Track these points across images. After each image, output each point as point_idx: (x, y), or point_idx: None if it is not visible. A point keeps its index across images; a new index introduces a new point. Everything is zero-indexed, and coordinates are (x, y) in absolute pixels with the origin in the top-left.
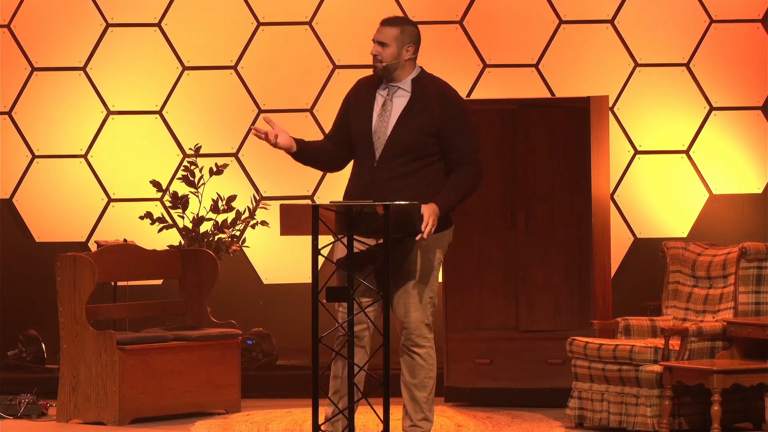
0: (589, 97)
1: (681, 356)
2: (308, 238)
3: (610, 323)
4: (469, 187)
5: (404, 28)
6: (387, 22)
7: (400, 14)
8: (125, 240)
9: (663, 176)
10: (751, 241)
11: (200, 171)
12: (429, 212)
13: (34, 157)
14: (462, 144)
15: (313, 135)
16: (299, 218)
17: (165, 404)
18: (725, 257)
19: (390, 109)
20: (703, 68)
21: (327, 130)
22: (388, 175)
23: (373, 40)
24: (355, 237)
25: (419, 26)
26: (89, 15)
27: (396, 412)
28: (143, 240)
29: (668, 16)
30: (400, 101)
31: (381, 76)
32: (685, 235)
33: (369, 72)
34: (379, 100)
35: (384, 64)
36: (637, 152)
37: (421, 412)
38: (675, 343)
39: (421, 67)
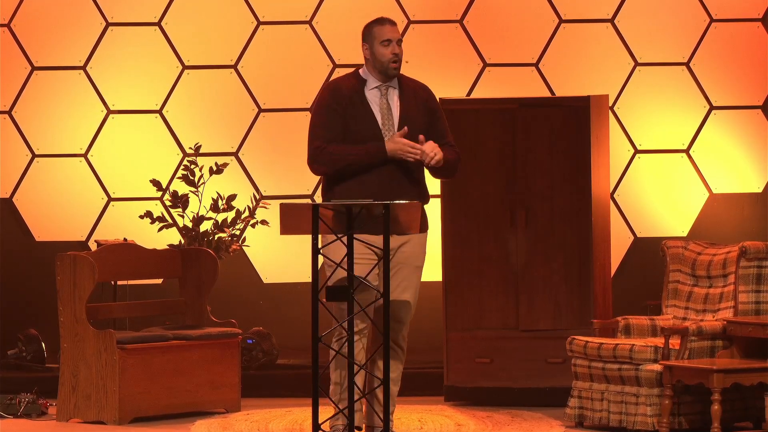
0: (589, 96)
1: (681, 355)
2: (308, 237)
3: (610, 322)
4: (450, 160)
5: None
6: (393, 22)
7: (400, 13)
8: (125, 239)
9: (663, 175)
10: (751, 240)
11: (200, 170)
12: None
13: (34, 156)
14: (445, 129)
15: None
16: (299, 217)
17: (165, 403)
18: (725, 256)
19: (388, 107)
20: (703, 67)
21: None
22: (397, 173)
23: (388, 39)
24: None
25: (420, 26)
26: (89, 14)
27: (395, 411)
28: (143, 239)
29: (668, 15)
30: (394, 99)
31: (395, 77)
32: (685, 234)
33: None
34: (373, 100)
35: (403, 61)
36: (637, 151)
37: (393, 405)
38: (675, 342)
39: None
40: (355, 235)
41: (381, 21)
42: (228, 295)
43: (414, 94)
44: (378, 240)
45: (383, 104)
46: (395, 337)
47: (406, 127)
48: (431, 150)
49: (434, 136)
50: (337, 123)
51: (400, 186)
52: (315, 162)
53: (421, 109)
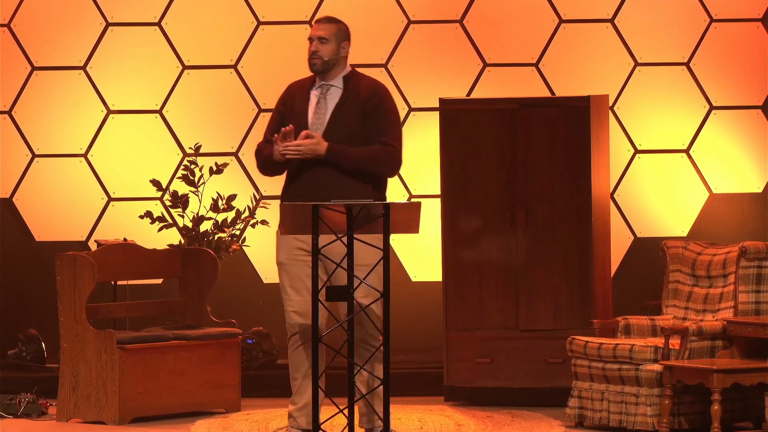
0: (589, 96)
1: (681, 355)
2: None
3: (610, 322)
4: (374, 157)
5: (340, 26)
6: (324, 20)
7: (400, 13)
8: (125, 239)
9: (663, 175)
10: (751, 240)
11: (200, 170)
12: (312, 141)
13: (34, 156)
14: (383, 127)
15: None
16: (299, 217)
17: (165, 404)
18: (725, 256)
19: (324, 106)
20: (703, 67)
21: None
22: (326, 171)
23: (310, 37)
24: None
25: (420, 26)
26: (89, 14)
27: (395, 412)
28: (143, 239)
29: (668, 15)
30: (333, 98)
31: (319, 72)
32: (685, 234)
33: (370, 71)
34: (313, 100)
35: (325, 59)
36: (637, 151)
37: (378, 405)
38: (675, 342)
39: (353, 67)
40: (293, 236)
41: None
42: (228, 295)
43: (355, 94)
44: (307, 239)
45: (321, 104)
46: (363, 336)
47: (291, 126)
48: (294, 144)
49: (369, 134)
50: (277, 123)
51: (326, 186)
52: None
53: (357, 108)
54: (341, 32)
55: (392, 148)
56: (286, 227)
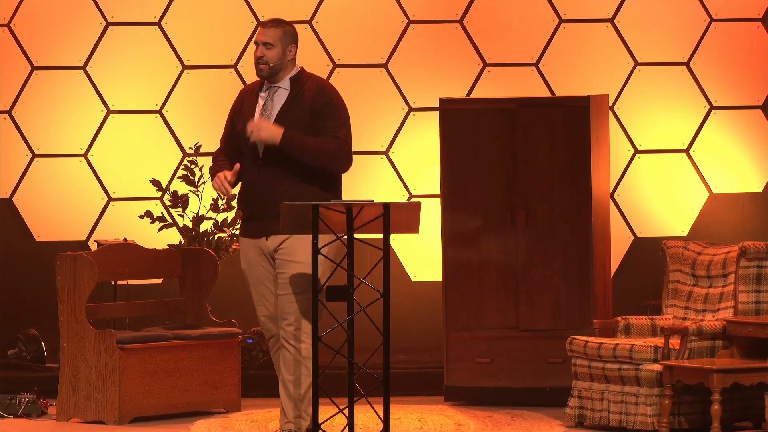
0: (589, 96)
1: (681, 355)
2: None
3: (610, 322)
4: (323, 148)
5: (286, 29)
6: (269, 24)
7: (400, 13)
8: (125, 239)
9: (663, 175)
10: (751, 240)
11: (200, 170)
12: (267, 125)
13: (34, 156)
14: (333, 125)
15: None
16: (299, 217)
17: (165, 403)
18: (725, 256)
19: (271, 107)
20: (703, 67)
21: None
22: (272, 173)
23: (255, 42)
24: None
25: (419, 26)
26: (89, 14)
27: (395, 412)
28: (143, 239)
29: (668, 14)
30: (279, 99)
31: (266, 78)
32: (685, 234)
33: (370, 71)
34: (260, 102)
35: (271, 65)
36: (637, 151)
37: (296, 410)
38: (675, 342)
39: (301, 67)
40: (246, 238)
41: None
42: (228, 295)
43: (301, 95)
44: (260, 242)
45: (268, 105)
46: (284, 334)
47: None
48: (250, 127)
49: (320, 133)
50: (228, 129)
51: (270, 192)
52: None
53: (303, 109)
54: (287, 35)
55: (343, 141)
56: (284, 227)
